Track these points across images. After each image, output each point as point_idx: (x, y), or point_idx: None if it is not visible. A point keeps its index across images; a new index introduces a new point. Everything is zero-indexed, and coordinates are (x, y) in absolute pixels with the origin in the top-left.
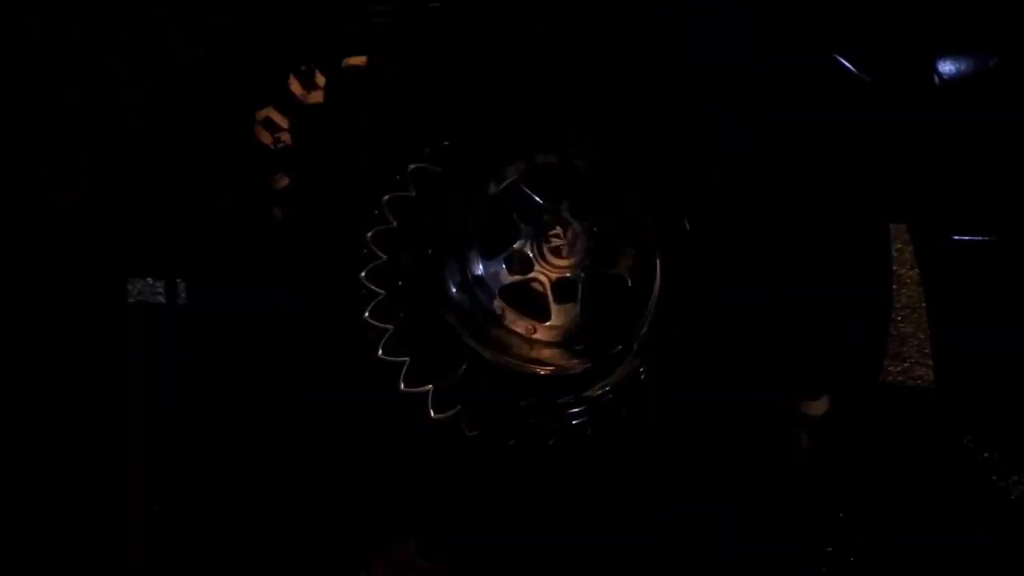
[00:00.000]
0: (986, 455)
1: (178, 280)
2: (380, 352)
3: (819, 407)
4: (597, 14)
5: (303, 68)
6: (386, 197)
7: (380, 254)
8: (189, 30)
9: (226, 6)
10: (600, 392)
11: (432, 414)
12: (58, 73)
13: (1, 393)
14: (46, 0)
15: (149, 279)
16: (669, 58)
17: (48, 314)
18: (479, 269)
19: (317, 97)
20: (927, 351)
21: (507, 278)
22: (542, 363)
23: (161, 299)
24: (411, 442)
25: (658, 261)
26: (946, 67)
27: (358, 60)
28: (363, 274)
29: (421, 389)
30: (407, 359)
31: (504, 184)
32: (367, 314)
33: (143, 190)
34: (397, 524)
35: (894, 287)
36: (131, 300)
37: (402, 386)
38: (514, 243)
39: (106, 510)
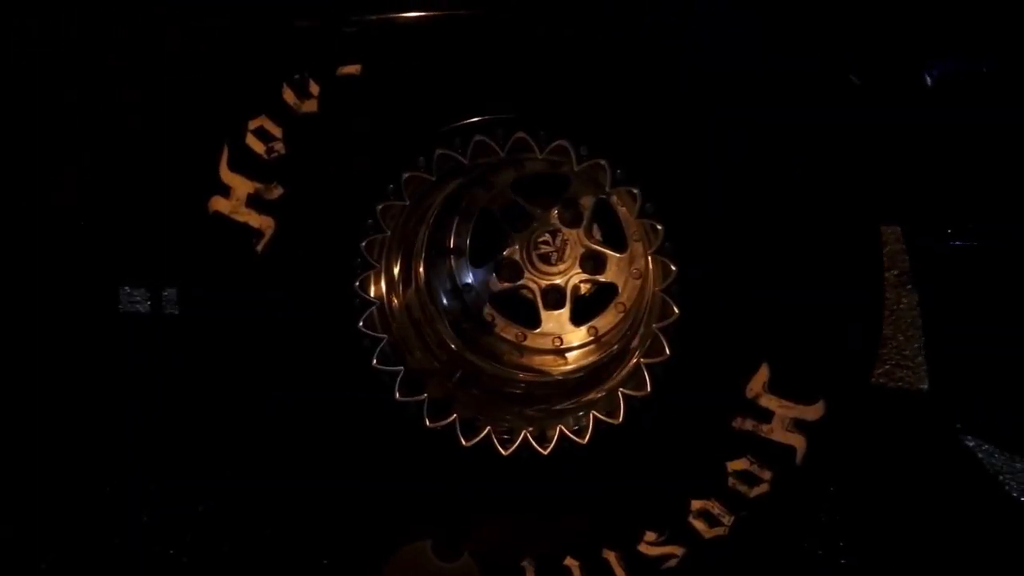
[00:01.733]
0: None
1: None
2: (375, 362)
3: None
4: (596, 15)
5: (296, 77)
6: (380, 206)
7: (374, 263)
8: (189, 30)
9: (226, 6)
10: (595, 397)
11: (427, 423)
12: (58, 73)
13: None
14: (46, 0)
15: (126, 287)
16: (668, 59)
17: (47, 314)
18: (469, 277)
19: (311, 106)
20: (907, 352)
21: (497, 286)
22: (533, 370)
23: (140, 307)
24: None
25: (651, 265)
26: (940, 69)
27: (352, 68)
28: (357, 284)
29: (416, 399)
30: (401, 368)
31: (494, 191)
32: (361, 324)
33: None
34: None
35: None
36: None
37: (397, 395)
38: (503, 251)
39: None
